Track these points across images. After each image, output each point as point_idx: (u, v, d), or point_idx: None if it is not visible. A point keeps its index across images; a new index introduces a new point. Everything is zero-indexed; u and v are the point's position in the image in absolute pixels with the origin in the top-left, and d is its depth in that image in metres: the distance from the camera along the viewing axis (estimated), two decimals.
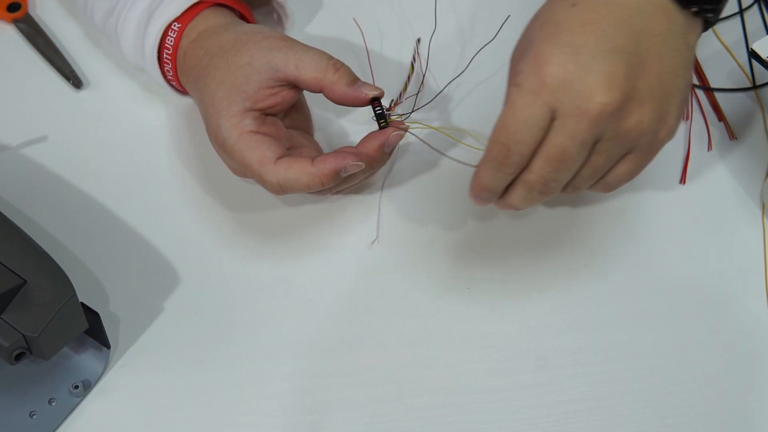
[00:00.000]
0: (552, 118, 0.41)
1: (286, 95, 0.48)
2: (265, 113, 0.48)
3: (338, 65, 0.48)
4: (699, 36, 0.44)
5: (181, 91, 0.55)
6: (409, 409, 0.47)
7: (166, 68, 0.53)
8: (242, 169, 0.48)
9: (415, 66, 0.58)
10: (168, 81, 0.54)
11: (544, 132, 0.41)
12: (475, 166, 0.44)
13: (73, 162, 0.55)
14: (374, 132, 0.49)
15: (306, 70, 0.47)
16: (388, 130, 0.49)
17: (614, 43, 0.41)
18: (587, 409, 0.47)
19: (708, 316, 0.50)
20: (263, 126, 0.48)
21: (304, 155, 0.48)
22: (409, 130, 0.50)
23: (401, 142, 0.52)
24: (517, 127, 0.41)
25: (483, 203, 0.45)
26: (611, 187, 0.46)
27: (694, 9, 0.43)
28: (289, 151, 0.49)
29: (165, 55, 0.52)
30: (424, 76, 0.57)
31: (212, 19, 0.51)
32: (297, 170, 0.46)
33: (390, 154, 0.51)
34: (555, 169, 0.42)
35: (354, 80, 0.48)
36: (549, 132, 0.41)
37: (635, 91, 0.41)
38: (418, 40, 0.59)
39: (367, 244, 0.52)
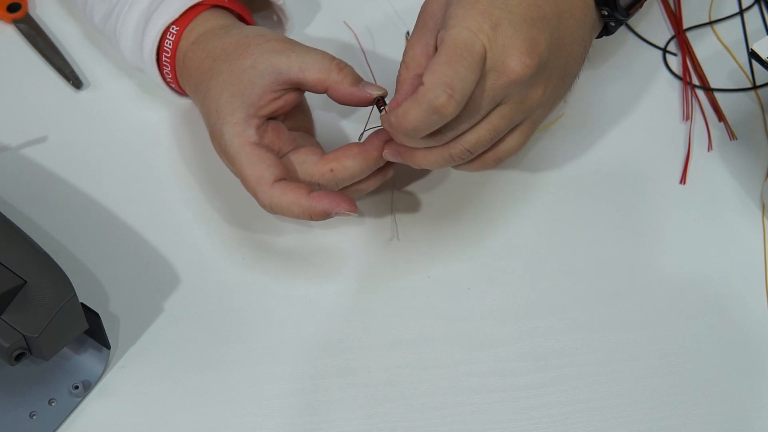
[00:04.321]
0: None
1: (289, 98, 0.48)
2: (268, 118, 0.48)
3: (342, 65, 0.48)
4: (595, 37, 0.48)
5: (181, 92, 0.55)
6: (408, 410, 0.47)
7: (165, 71, 0.53)
8: (240, 177, 0.48)
9: None
10: (167, 83, 0.54)
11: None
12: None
13: (73, 162, 0.55)
14: (381, 131, 0.48)
15: (310, 71, 0.47)
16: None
17: (542, 12, 0.43)
18: (587, 410, 0.47)
19: (708, 316, 0.50)
20: (265, 135, 0.48)
21: (301, 185, 0.47)
22: None
23: None
24: (461, 67, 0.40)
25: (399, 151, 0.46)
26: (499, 160, 0.47)
27: (605, 12, 0.47)
28: (294, 153, 0.49)
29: (164, 58, 0.52)
30: None
31: (212, 21, 0.51)
32: (290, 199, 0.46)
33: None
34: (456, 71, 0.40)
35: (358, 80, 0.48)
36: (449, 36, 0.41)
37: (548, 65, 0.43)
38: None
39: (368, 244, 0.52)
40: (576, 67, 0.47)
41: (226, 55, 0.48)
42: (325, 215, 0.46)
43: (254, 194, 0.47)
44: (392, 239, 0.53)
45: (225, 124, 0.47)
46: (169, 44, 0.51)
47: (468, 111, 0.42)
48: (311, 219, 0.47)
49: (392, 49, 0.60)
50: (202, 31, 0.51)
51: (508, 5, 0.42)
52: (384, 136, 0.47)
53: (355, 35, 0.59)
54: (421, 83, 0.41)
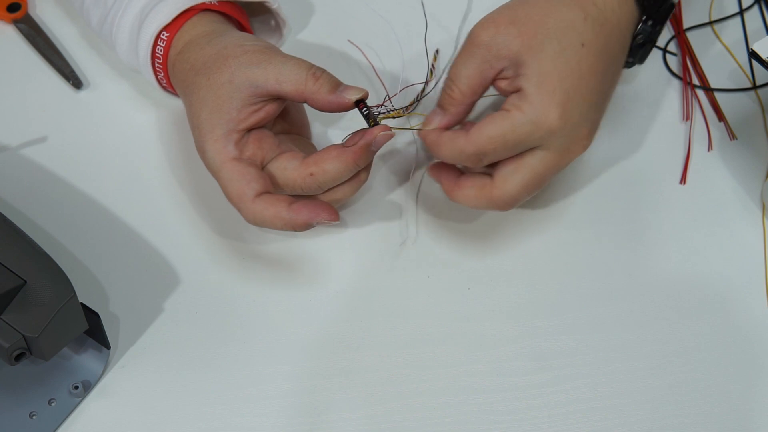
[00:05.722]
0: (535, 146, 0.46)
1: (269, 109, 0.48)
2: (251, 129, 0.48)
3: (318, 74, 0.47)
4: None
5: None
6: (408, 410, 0.47)
7: (159, 76, 0.53)
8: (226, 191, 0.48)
9: (434, 73, 0.58)
10: (163, 87, 0.54)
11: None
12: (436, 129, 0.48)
13: (73, 162, 0.55)
14: (362, 130, 0.48)
15: (286, 83, 0.47)
16: (375, 129, 0.47)
17: (604, 93, 0.47)
18: (587, 410, 0.47)
19: (708, 316, 0.50)
20: (246, 148, 0.47)
21: (282, 198, 0.47)
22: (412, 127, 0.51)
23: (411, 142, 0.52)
24: (507, 146, 0.45)
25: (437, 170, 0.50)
26: None
27: (629, 60, 0.51)
28: (276, 159, 0.48)
29: (157, 64, 0.52)
30: (427, 80, 0.58)
31: (198, 27, 0.51)
32: (272, 213, 0.46)
33: (373, 153, 0.50)
34: (530, 193, 0.47)
35: (335, 86, 0.47)
36: (531, 157, 0.46)
37: (577, 120, 0.46)
38: (437, 51, 0.59)
39: (368, 243, 0.52)
40: (605, 90, 0.49)
41: (205, 68, 0.48)
42: (306, 226, 0.47)
43: (238, 210, 0.47)
44: (404, 243, 0.53)
45: (206, 141, 0.47)
46: (161, 50, 0.51)
47: (538, 187, 0.47)
48: (295, 230, 0.47)
49: (388, 52, 0.60)
50: (187, 40, 0.50)
51: (580, 94, 0.45)
52: (366, 139, 0.47)
53: (361, 52, 0.58)
54: (469, 125, 0.46)
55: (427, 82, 0.57)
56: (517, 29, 0.45)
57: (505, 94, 0.47)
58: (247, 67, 0.47)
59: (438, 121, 0.48)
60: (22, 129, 0.56)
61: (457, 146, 0.46)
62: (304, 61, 0.47)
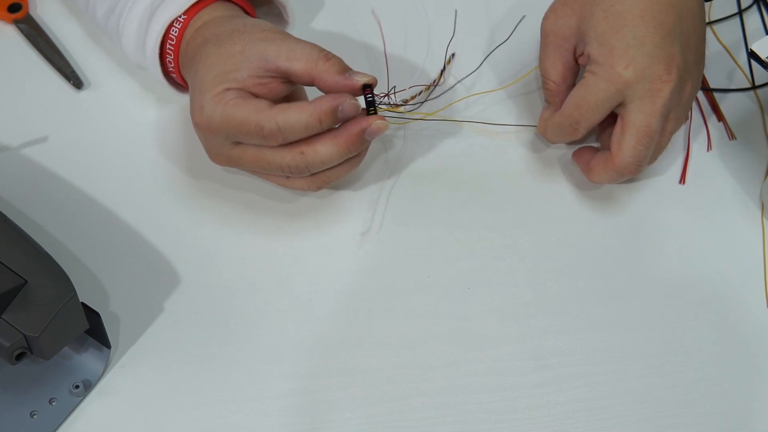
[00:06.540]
0: (621, 101, 0.49)
1: (274, 87, 0.48)
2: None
3: (329, 56, 0.48)
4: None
5: (182, 84, 0.54)
6: (408, 409, 0.47)
7: (168, 59, 0.52)
8: (235, 134, 0.47)
9: (444, 75, 0.58)
10: (169, 73, 0.54)
11: (610, 111, 0.49)
12: (539, 120, 0.54)
13: (73, 162, 0.55)
14: (359, 117, 0.48)
15: (297, 61, 0.47)
16: (372, 118, 0.47)
17: (668, 28, 0.49)
18: (587, 409, 0.47)
19: (708, 316, 0.50)
20: (246, 94, 0.47)
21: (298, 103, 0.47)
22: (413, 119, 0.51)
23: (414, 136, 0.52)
24: (590, 108, 0.49)
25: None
26: (662, 149, 0.52)
27: None
28: None
29: (168, 46, 0.52)
30: (440, 78, 0.58)
31: (218, 10, 0.52)
32: (296, 110, 0.46)
33: (368, 145, 0.50)
34: (646, 146, 0.49)
35: (344, 69, 0.48)
36: (628, 113, 0.49)
37: (686, 65, 0.49)
38: (453, 55, 0.59)
39: (368, 243, 0.52)
40: (704, 47, 0.52)
41: (218, 39, 0.49)
42: (333, 112, 0.46)
43: (259, 128, 0.46)
44: (368, 232, 0.53)
45: (204, 98, 0.47)
46: (175, 32, 0.51)
47: (651, 138, 0.49)
48: (321, 124, 0.46)
49: (397, 42, 0.60)
50: (207, 19, 0.51)
51: (638, 38, 0.48)
52: (361, 125, 0.47)
53: (379, 25, 0.58)
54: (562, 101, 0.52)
55: (435, 84, 0.57)
56: (570, 8, 0.51)
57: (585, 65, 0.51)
58: (261, 42, 0.47)
59: (549, 115, 0.53)
60: (22, 129, 0.56)
61: (555, 124, 0.52)
62: (317, 45, 0.48)
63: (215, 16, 0.51)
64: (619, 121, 0.50)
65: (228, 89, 0.47)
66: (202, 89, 0.48)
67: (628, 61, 0.48)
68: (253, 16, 0.55)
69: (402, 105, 0.53)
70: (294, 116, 0.46)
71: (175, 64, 0.52)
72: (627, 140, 0.49)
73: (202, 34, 0.50)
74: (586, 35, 0.50)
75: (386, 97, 0.51)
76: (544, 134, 0.54)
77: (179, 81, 0.54)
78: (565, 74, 0.53)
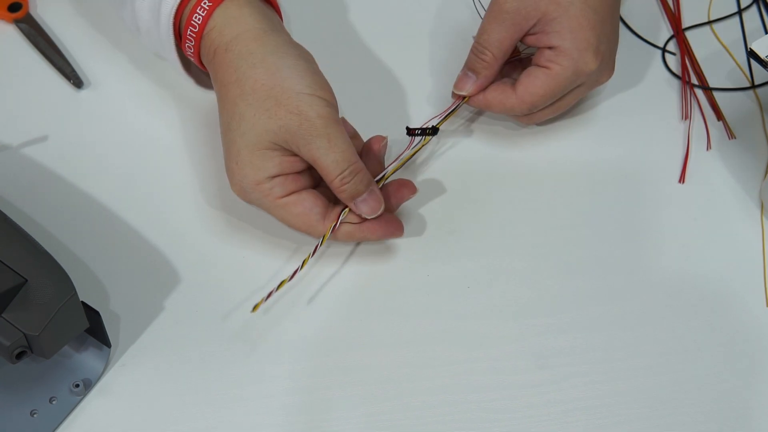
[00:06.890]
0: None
1: (297, 162, 0.49)
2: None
3: (346, 179, 0.47)
4: None
5: (199, 66, 0.53)
6: (408, 408, 0.47)
7: (187, 45, 0.51)
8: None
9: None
10: (185, 51, 0.52)
11: None
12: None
13: (73, 162, 0.55)
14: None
15: (320, 169, 0.48)
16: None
17: (616, 24, 0.53)
18: (587, 409, 0.47)
19: (708, 316, 0.50)
20: (288, 181, 0.48)
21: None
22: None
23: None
24: (553, 95, 0.52)
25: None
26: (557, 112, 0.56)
27: None
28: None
29: (189, 32, 0.50)
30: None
31: (246, 16, 0.49)
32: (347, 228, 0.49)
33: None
34: (551, 97, 0.52)
35: (357, 194, 0.48)
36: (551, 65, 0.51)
37: (605, 48, 0.52)
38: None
39: (368, 243, 0.52)
40: (617, 35, 0.54)
41: (254, 98, 0.47)
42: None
43: (309, 234, 0.50)
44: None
45: (246, 182, 0.48)
46: (198, 19, 0.49)
47: (560, 109, 0.54)
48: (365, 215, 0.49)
49: (390, 47, 0.60)
50: (237, 33, 0.49)
51: (606, 34, 0.52)
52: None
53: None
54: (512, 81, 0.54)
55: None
56: None
57: (533, 46, 0.53)
58: (296, 130, 0.47)
59: (471, 84, 0.53)
60: (22, 128, 0.57)
61: (507, 105, 0.53)
62: (350, 152, 0.47)
63: (244, 30, 0.49)
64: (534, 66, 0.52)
65: (270, 178, 0.48)
66: (240, 162, 0.48)
67: (597, 55, 0.51)
68: (275, 8, 0.53)
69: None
70: (347, 232, 0.50)
71: (195, 50, 0.51)
72: (537, 83, 0.51)
73: (235, 64, 0.48)
74: (556, 23, 0.50)
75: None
76: (482, 107, 0.54)
77: (197, 62, 0.52)
78: (507, 51, 0.52)
